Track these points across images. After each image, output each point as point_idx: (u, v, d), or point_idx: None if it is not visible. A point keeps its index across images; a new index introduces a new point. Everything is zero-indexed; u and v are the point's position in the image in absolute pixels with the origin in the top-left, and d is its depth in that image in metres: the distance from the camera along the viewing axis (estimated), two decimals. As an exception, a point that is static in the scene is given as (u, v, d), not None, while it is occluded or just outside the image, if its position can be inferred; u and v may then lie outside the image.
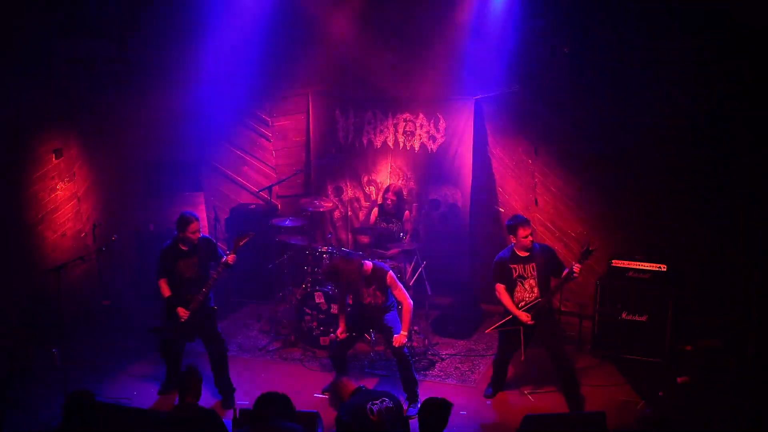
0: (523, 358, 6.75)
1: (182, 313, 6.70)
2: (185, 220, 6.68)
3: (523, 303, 6.71)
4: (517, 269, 6.75)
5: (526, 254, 6.73)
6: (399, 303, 6.82)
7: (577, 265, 6.54)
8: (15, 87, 7.64)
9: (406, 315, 6.73)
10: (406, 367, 6.78)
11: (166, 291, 6.81)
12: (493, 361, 7.15)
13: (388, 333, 6.78)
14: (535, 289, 6.70)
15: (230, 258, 6.73)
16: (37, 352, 7.49)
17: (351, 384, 5.55)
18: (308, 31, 8.90)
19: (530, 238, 6.69)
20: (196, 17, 8.68)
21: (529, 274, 6.72)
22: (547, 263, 6.75)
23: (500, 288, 6.79)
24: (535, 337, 6.80)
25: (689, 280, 7.62)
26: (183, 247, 6.78)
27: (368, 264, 6.74)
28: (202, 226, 6.92)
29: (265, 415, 4.91)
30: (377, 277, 6.73)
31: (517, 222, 6.75)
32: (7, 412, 6.37)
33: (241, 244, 6.79)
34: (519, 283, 6.74)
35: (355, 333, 6.94)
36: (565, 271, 6.63)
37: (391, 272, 6.77)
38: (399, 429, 5.24)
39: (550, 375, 7.07)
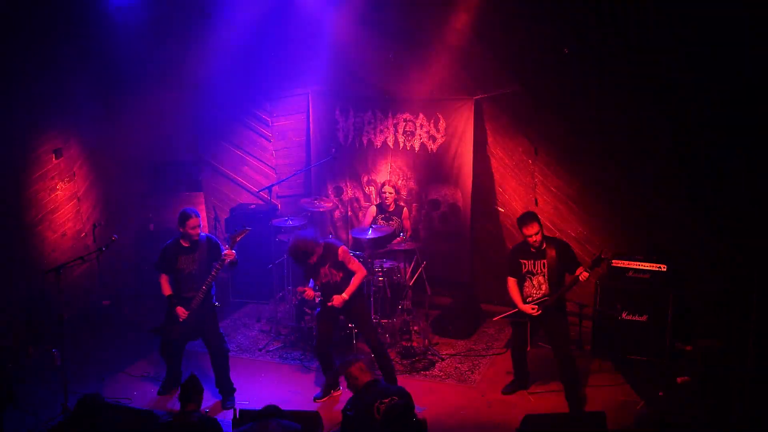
0: (529, 348, 6.81)
1: (181, 312, 6.72)
2: (185, 216, 6.76)
3: (530, 299, 6.71)
4: (526, 264, 6.70)
5: (537, 250, 6.67)
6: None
7: (585, 273, 6.53)
8: (15, 87, 7.64)
9: (355, 280, 6.73)
10: (381, 355, 6.80)
11: (166, 289, 6.83)
12: (511, 356, 7.15)
13: (360, 321, 6.81)
14: (544, 286, 6.67)
15: (229, 254, 6.72)
16: (37, 352, 7.50)
17: (365, 375, 5.40)
18: (308, 30, 8.89)
19: (537, 237, 6.58)
20: (196, 17, 8.68)
21: (539, 271, 6.67)
22: (561, 260, 6.67)
23: (511, 282, 6.77)
24: (543, 333, 6.83)
25: (689, 280, 7.62)
26: (184, 244, 6.81)
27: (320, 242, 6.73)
28: (202, 226, 6.93)
29: (265, 414, 4.90)
30: (329, 253, 6.73)
31: (521, 219, 6.69)
32: (7, 412, 6.36)
33: (238, 239, 6.80)
34: (528, 279, 6.72)
35: (329, 320, 6.90)
36: (573, 275, 6.59)
37: (343, 246, 6.78)
38: (408, 428, 5.14)
39: (550, 375, 7.07)
